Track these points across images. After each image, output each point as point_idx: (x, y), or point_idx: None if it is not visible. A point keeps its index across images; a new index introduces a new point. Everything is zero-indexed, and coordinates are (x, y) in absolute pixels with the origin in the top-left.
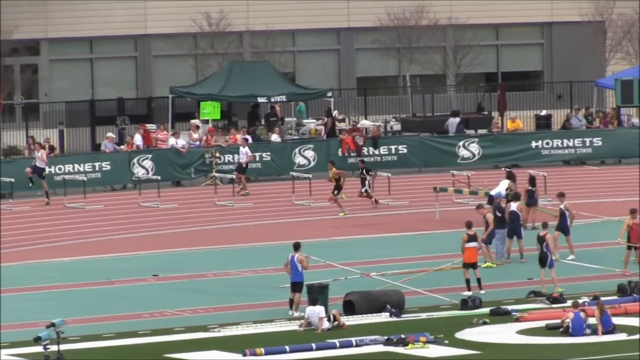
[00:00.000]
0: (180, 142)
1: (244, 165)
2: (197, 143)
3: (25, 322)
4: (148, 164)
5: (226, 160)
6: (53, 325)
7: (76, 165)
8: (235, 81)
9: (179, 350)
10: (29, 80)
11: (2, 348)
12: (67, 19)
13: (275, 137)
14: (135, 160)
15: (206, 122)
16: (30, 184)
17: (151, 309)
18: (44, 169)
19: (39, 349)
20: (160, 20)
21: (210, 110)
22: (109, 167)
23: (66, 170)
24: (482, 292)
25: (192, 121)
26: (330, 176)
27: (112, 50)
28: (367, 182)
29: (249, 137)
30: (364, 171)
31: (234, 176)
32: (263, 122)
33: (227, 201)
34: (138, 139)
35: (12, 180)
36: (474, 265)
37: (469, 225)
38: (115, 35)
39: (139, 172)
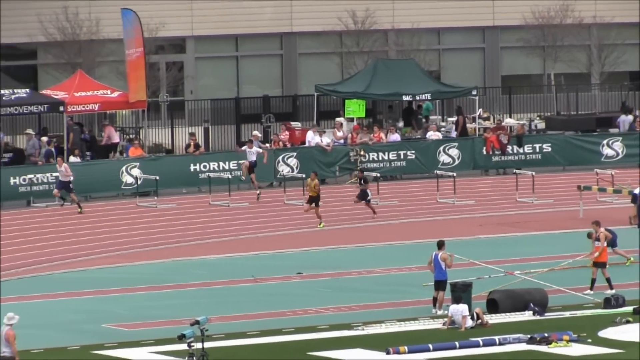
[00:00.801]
0: (325, 140)
1: (252, 164)
2: (342, 141)
3: (170, 319)
4: (293, 161)
5: (371, 158)
6: (197, 322)
7: (221, 163)
8: (380, 79)
9: (322, 348)
10: (174, 78)
11: (146, 345)
12: (213, 16)
13: (430, 134)
14: (280, 158)
15: (351, 120)
16: (62, 203)
17: (295, 306)
18: (69, 182)
19: (183, 346)
20: (307, 18)
21: (355, 108)
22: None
23: (211, 168)
24: (610, 292)
25: (337, 119)
26: (310, 187)
27: (258, 48)
28: (368, 191)
29: (259, 134)
30: (362, 181)
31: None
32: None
33: (372, 199)
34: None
35: (157, 177)
36: (603, 265)
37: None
38: (261, 33)
39: (283, 170)
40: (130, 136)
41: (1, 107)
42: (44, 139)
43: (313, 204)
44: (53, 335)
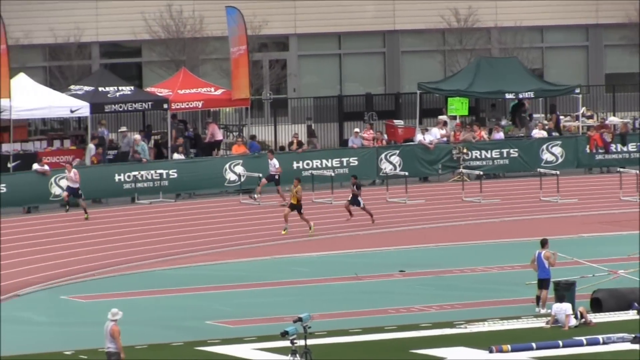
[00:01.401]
0: (428, 138)
1: (276, 177)
2: (445, 139)
3: (273, 316)
4: (395, 159)
5: (473, 157)
6: (300, 319)
7: (324, 161)
8: (483, 77)
9: (425, 346)
10: (277, 76)
11: (249, 342)
12: (316, 14)
13: (535, 132)
14: (382, 155)
15: (454, 118)
16: (67, 208)
17: (397, 304)
18: (78, 189)
19: (286, 343)
20: (409, 16)
21: (458, 106)
22: (356, 163)
23: (314, 166)
24: None
25: (440, 117)
26: (293, 192)
27: (361, 45)
28: (359, 198)
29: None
30: (356, 187)
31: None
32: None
33: (474, 197)
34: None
35: (260, 175)
36: None
37: None
38: (364, 31)
39: (386, 167)
40: (234, 134)
41: (106, 104)
42: (137, 136)
43: (295, 211)
44: (157, 332)
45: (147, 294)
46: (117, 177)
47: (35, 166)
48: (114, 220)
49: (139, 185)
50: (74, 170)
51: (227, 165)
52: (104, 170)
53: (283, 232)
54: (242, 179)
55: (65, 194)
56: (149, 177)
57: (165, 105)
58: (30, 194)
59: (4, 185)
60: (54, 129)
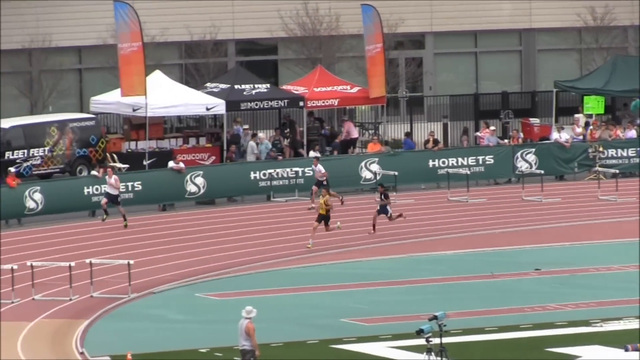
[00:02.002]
0: (564, 136)
1: (324, 182)
2: (581, 137)
3: (408, 314)
4: (531, 157)
5: (610, 155)
6: (435, 318)
7: (459, 159)
8: (619, 76)
9: (560, 345)
10: (413, 74)
11: (384, 340)
12: (452, 12)
13: None
14: (518, 154)
15: (590, 116)
16: (105, 217)
17: (533, 303)
18: (117, 195)
19: (421, 341)
20: (545, 14)
21: (594, 105)
22: (492, 161)
23: (449, 164)
24: None
25: (576, 115)
26: (321, 202)
27: (497, 44)
28: (388, 207)
29: (318, 155)
30: (383, 196)
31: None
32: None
33: (610, 196)
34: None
35: (396, 173)
36: None
37: None
38: (500, 29)
39: (522, 165)
40: (370, 132)
41: (242, 102)
42: (262, 135)
43: (322, 222)
44: (292, 330)
45: (282, 292)
46: (252, 175)
47: (171, 164)
48: (250, 218)
49: (275, 183)
50: (114, 176)
51: (362, 163)
52: (239, 168)
53: (309, 246)
54: (378, 177)
55: (104, 200)
56: (285, 175)
57: (301, 103)
58: (165, 192)
59: (139, 182)
60: (190, 127)
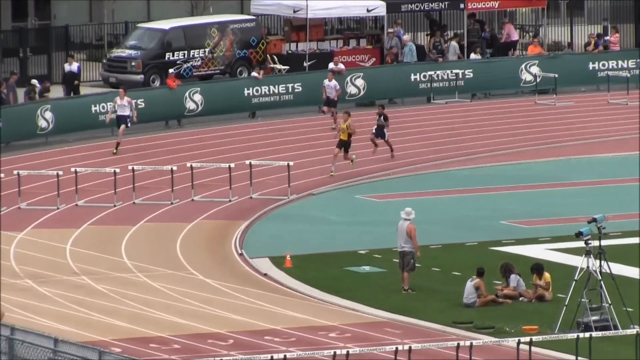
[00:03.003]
0: None
1: (334, 99)
2: None
3: (567, 217)
4: None
5: None
6: (594, 220)
7: (619, 62)
8: None
9: None
10: None
11: (542, 243)
12: None
13: None
14: None
15: None
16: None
17: None
18: (128, 116)
19: (579, 244)
20: None
21: None
22: None
23: (609, 67)
24: None
25: None
26: (343, 127)
27: None
28: (385, 130)
29: (342, 66)
30: (381, 117)
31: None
32: None
33: None
34: None
35: (556, 75)
36: None
37: None
38: None
39: None
40: (530, 34)
41: (402, 4)
42: (406, 37)
43: (342, 149)
44: (451, 232)
45: (441, 194)
46: (412, 77)
47: (331, 65)
48: (410, 120)
49: (435, 85)
50: (126, 98)
51: (522, 66)
52: (399, 70)
53: (331, 174)
54: (538, 80)
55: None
56: (445, 77)
57: (462, 5)
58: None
59: (299, 84)
60: (350, 28)
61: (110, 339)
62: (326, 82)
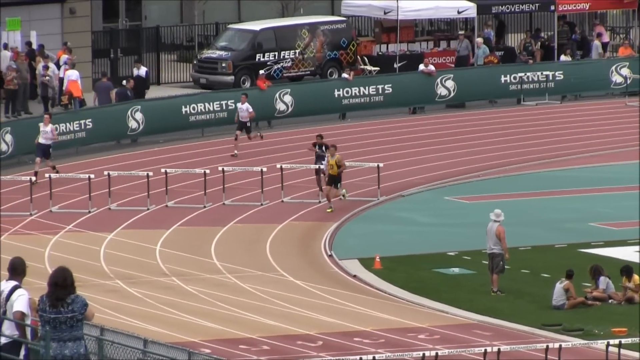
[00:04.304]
0: None
1: (247, 122)
2: None
3: None
4: None
5: None
6: None
7: None
8: None
9: None
10: None
11: (632, 245)
12: None
13: None
14: None
15: None
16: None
17: None
18: (50, 146)
19: None
20: None
21: None
22: None
23: None
24: None
25: None
26: (331, 162)
27: None
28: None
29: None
30: (322, 147)
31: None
32: None
33: None
34: None
35: None
36: None
37: None
38: None
39: None
40: (621, 36)
41: (493, 5)
42: (479, 40)
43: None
44: (540, 233)
45: (531, 196)
46: (503, 79)
47: (421, 67)
48: (500, 121)
49: (525, 86)
50: (50, 125)
51: (613, 68)
52: (490, 72)
53: (328, 211)
54: (628, 82)
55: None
56: (535, 79)
57: (552, 7)
58: (415, 95)
59: (389, 85)
60: (441, 30)
61: (200, 340)
62: (239, 104)
